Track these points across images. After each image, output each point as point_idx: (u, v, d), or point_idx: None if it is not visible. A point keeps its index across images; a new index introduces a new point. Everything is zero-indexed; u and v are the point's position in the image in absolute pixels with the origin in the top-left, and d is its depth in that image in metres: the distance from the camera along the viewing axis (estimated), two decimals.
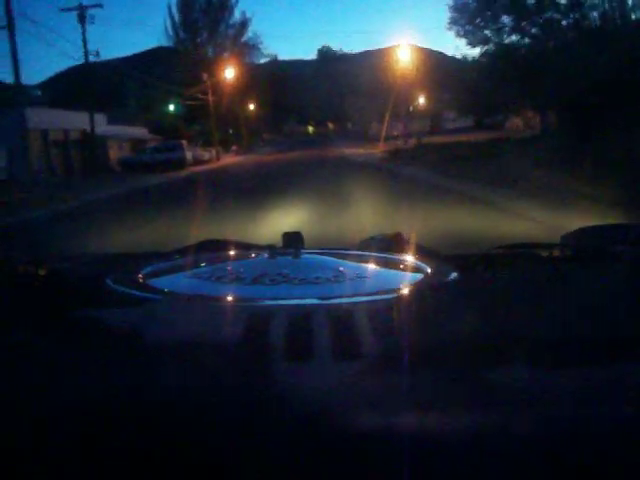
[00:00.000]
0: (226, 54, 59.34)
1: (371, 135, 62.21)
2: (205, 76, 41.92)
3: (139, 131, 40.18)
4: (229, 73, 43.35)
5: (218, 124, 45.06)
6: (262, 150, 55.92)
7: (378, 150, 33.61)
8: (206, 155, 37.32)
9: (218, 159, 39.28)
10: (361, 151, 35.00)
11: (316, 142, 64.62)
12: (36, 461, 0.38)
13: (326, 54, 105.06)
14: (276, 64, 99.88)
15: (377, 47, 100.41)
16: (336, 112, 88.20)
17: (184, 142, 32.72)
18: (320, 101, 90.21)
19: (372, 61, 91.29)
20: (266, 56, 72.57)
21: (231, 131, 55.14)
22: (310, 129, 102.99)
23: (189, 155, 32.51)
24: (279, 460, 0.37)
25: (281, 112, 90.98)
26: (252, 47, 67.07)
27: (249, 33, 65.12)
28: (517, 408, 0.43)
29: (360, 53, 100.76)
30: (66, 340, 0.65)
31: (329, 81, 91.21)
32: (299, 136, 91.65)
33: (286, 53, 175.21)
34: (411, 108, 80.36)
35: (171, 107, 53.70)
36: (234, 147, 48.47)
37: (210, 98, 40.66)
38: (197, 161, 34.74)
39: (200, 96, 41.91)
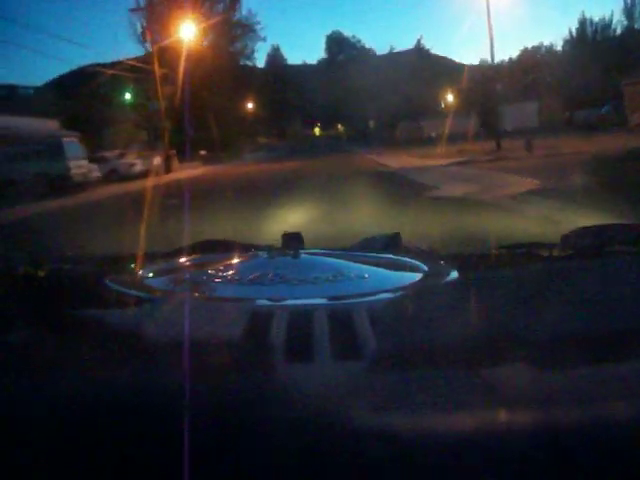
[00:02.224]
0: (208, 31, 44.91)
1: (402, 137, 47.16)
2: (147, 35, 26.32)
3: (41, 125, 24.61)
4: (187, 30, 27.38)
5: (184, 120, 29.91)
6: (251, 157, 41.46)
7: (445, 159, 18.21)
8: (138, 166, 21.90)
9: (168, 171, 23.95)
10: (414, 161, 19.50)
11: (327, 146, 50.10)
12: (35, 460, 0.38)
13: (335, 41, 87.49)
14: (279, 62, 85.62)
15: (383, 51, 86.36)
16: (347, 112, 73.24)
17: (69, 140, 17.35)
18: (328, 99, 74.94)
19: (391, 58, 77.43)
20: (262, 39, 56.81)
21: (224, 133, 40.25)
22: (317, 131, 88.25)
23: (80, 167, 17.15)
24: (281, 460, 0.37)
25: (283, 113, 76.92)
26: (245, 27, 51.95)
27: (242, 11, 50.08)
28: (517, 407, 0.43)
29: (383, 55, 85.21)
30: (65, 340, 0.65)
31: (339, 75, 76.19)
32: (304, 139, 79.40)
33: (295, 60, 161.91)
34: (443, 105, 65.45)
35: (127, 96, 38.76)
36: (203, 152, 33.08)
37: (157, 70, 25.16)
38: (123, 176, 19.56)
39: (141, 65, 26.42)
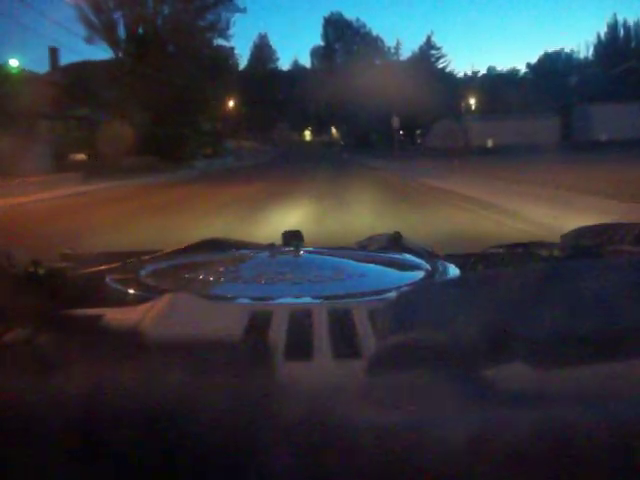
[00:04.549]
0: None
1: (432, 146, 32.83)
2: None
3: None
4: None
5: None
6: (206, 168, 27.44)
7: None
8: None
9: None
10: None
11: (324, 157, 35.81)
12: (33, 463, 0.38)
13: (335, 25, 71.99)
14: (266, 54, 71.47)
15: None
16: (345, 113, 59.25)
17: None
18: (321, 98, 60.80)
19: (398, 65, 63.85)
20: (242, 11, 41.93)
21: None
22: (307, 136, 74.25)
23: None
24: (280, 460, 0.38)
25: (267, 112, 62.99)
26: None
27: None
28: (518, 407, 0.44)
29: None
30: (65, 339, 0.66)
31: (337, 68, 62.11)
32: (292, 145, 66.49)
33: (287, 54, 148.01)
34: (473, 107, 50.81)
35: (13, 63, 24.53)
36: (80, 156, 18.47)
37: None
38: None
39: None
